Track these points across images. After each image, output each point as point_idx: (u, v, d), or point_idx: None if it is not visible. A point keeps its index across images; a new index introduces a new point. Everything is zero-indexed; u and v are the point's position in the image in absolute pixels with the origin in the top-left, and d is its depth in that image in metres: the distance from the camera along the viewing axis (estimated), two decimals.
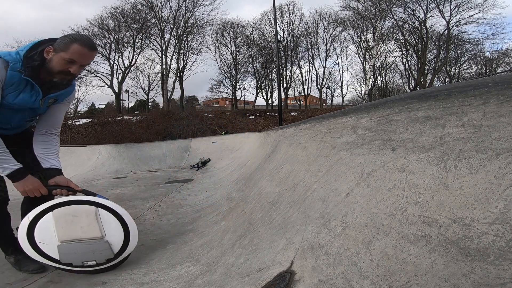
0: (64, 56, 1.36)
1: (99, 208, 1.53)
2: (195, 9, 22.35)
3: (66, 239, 1.49)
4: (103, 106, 28.12)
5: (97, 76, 22.69)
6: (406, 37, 22.16)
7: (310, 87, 28.36)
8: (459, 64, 23.78)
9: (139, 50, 23.72)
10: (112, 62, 23.26)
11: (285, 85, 26.81)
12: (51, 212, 1.49)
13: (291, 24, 26.81)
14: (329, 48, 26.78)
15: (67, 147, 8.46)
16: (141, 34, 22.53)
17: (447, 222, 0.64)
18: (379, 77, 26.07)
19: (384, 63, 25.62)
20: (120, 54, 23.37)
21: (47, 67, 1.39)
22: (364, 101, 20.40)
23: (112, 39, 22.14)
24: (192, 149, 8.23)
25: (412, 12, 20.92)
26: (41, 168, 1.53)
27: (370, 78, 21.57)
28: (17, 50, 1.37)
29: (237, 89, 27.44)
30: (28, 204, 1.62)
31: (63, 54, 1.36)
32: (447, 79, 24.23)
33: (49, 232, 1.48)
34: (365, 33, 23.74)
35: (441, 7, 19.95)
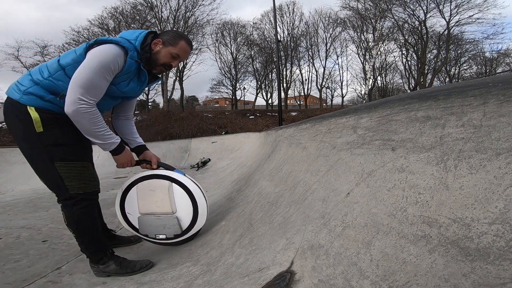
0: (172, 51, 1.43)
1: (173, 183, 1.60)
2: (195, 9, 22.34)
3: (144, 212, 1.59)
4: None
5: None
6: (406, 37, 22.14)
7: (310, 87, 28.37)
8: (459, 64, 23.78)
9: None
10: None
11: (285, 85, 26.80)
12: (136, 185, 1.60)
13: (291, 24, 26.81)
14: (329, 48, 26.78)
15: None
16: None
17: (447, 222, 0.64)
18: (379, 77, 26.09)
19: (384, 63, 25.62)
20: None
21: (152, 59, 1.44)
22: (364, 101, 20.40)
23: None
24: (192, 149, 8.22)
25: (412, 12, 20.91)
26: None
27: (370, 78, 21.55)
28: (125, 38, 1.37)
29: (237, 89, 27.44)
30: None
31: (171, 48, 1.43)
32: (447, 79, 24.23)
33: (134, 204, 1.60)
34: (365, 33, 23.75)
35: (441, 7, 19.93)
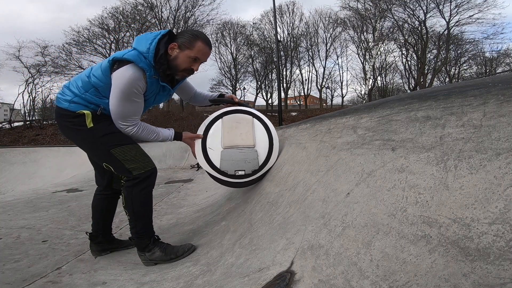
0: (190, 54, 1.39)
1: (254, 118, 1.76)
2: (195, 9, 22.32)
3: (228, 145, 1.70)
4: None
5: None
6: (406, 37, 22.14)
7: (310, 87, 28.36)
8: (459, 64, 23.77)
9: None
10: None
11: (285, 85, 26.80)
12: (221, 118, 1.72)
13: (291, 24, 26.80)
14: (329, 48, 26.78)
15: (67, 147, 8.44)
16: (141, 34, 22.51)
17: (447, 222, 0.64)
18: (379, 77, 26.08)
19: (384, 63, 25.62)
20: None
21: (171, 65, 1.42)
22: (364, 101, 20.39)
23: (112, 39, 22.12)
24: None
25: (412, 12, 20.91)
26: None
27: (370, 78, 21.53)
28: (138, 51, 1.34)
29: (237, 89, 27.42)
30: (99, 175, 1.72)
31: (189, 52, 1.39)
32: (447, 79, 24.22)
33: (217, 138, 1.70)
34: (365, 33, 23.75)
35: (441, 7, 19.93)
